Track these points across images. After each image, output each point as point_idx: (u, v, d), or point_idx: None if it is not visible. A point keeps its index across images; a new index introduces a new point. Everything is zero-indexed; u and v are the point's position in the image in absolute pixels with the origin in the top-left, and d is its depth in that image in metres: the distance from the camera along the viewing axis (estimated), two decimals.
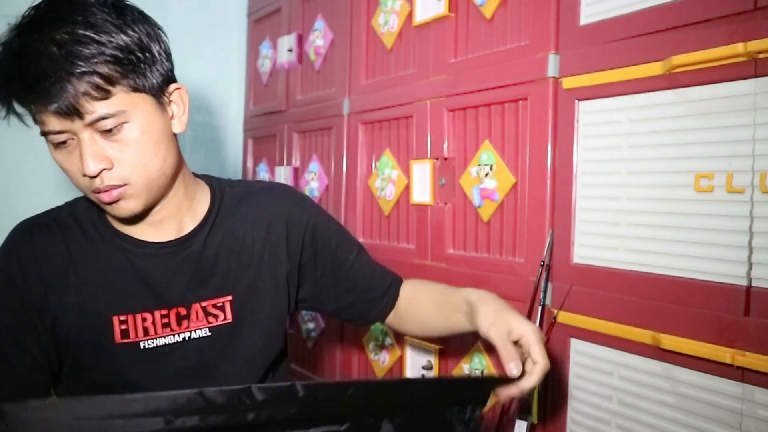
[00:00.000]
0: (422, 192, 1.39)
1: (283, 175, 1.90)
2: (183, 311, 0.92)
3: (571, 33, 1.07)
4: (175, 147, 0.89)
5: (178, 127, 0.88)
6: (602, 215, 1.02)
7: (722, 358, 0.82)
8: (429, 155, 1.38)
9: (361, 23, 1.61)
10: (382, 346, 1.52)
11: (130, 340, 0.88)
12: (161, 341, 0.90)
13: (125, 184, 0.81)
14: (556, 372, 1.09)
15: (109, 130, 0.79)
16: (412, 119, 1.43)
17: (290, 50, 1.89)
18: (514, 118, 1.19)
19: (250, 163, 2.22)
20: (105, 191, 0.81)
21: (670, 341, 0.89)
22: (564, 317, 1.06)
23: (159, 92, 0.84)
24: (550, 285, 1.10)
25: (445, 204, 1.34)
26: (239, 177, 2.18)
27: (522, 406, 1.09)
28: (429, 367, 1.34)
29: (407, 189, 1.44)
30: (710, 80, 0.87)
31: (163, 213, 0.91)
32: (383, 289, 1.09)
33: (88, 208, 0.92)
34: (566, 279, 1.07)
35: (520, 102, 1.17)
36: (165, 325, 0.90)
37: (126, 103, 0.79)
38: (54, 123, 0.77)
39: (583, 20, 1.06)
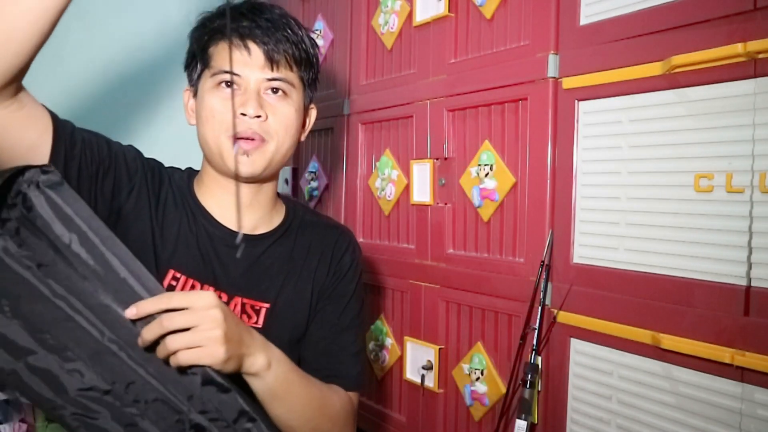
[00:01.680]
0: (422, 192, 1.39)
1: (282, 175, 1.90)
2: (224, 297, 0.96)
3: (571, 33, 1.07)
4: (294, 149, 1.02)
5: (302, 136, 1.03)
6: (602, 215, 1.02)
7: (722, 358, 0.83)
8: (429, 155, 1.38)
9: (361, 23, 1.61)
10: (382, 346, 1.52)
11: None
12: None
13: (264, 141, 0.93)
14: (556, 372, 1.09)
15: (275, 91, 0.94)
16: (412, 119, 1.43)
17: None
18: (514, 118, 1.19)
19: None
20: (247, 138, 0.92)
21: (670, 341, 0.89)
22: (564, 317, 1.06)
23: (309, 100, 1.02)
24: (550, 285, 1.10)
25: (445, 204, 1.34)
26: None
27: (522, 406, 1.09)
28: (429, 367, 1.34)
29: (407, 189, 1.44)
30: (710, 80, 0.87)
31: (257, 197, 0.99)
32: (320, 372, 1.00)
33: (182, 179, 1.00)
34: (566, 279, 1.07)
35: (520, 102, 1.17)
36: None
37: (296, 84, 0.97)
38: (239, 66, 0.92)
39: (583, 20, 1.06)
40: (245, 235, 0.98)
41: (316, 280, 1.03)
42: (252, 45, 0.92)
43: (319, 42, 1.79)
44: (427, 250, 1.38)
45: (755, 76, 0.82)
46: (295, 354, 1.02)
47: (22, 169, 0.74)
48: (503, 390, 1.17)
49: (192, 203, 0.98)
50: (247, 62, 0.92)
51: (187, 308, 0.74)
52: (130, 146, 0.96)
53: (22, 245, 0.73)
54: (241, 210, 0.98)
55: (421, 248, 1.40)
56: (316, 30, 1.81)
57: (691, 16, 0.89)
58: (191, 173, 1.02)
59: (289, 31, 0.95)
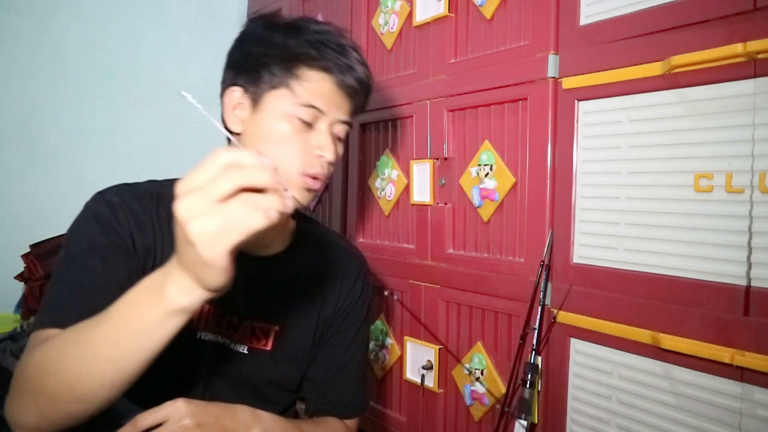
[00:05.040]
0: (422, 192, 1.39)
1: None
2: (235, 320, 0.96)
3: (571, 33, 1.07)
4: None
5: None
6: (602, 215, 1.02)
7: (722, 358, 0.83)
8: (429, 155, 1.38)
9: (361, 23, 1.61)
10: (382, 346, 1.52)
11: (191, 325, 0.91)
12: (208, 336, 0.94)
13: (323, 181, 0.91)
14: (556, 372, 1.09)
15: (338, 137, 0.93)
16: (412, 119, 1.43)
17: None
18: (514, 118, 1.19)
19: None
20: (317, 178, 0.89)
21: (670, 341, 0.89)
22: (564, 317, 1.06)
23: None
24: (550, 285, 1.10)
25: (445, 204, 1.34)
26: None
27: (522, 406, 1.09)
28: (429, 367, 1.34)
29: (407, 189, 1.44)
30: (710, 80, 0.87)
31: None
32: (326, 397, 1.05)
33: None
34: (566, 279, 1.07)
35: (520, 102, 1.17)
36: (217, 323, 0.94)
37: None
38: (329, 105, 0.88)
39: (583, 20, 1.06)
40: (252, 257, 0.97)
41: (325, 303, 1.03)
42: (351, 91, 0.90)
43: None
44: (427, 250, 1.38)
45: (755, 76, 0.82)
46: (300, 372, 1.05)
47: None
48: (503, 390, 1.17)
49: None
50: (338, 105, 0.89)
51: (162, 423, 0.77)
52: (115, 221, 0.85)
53: None
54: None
55: (421, 248, 1.40)
56: None
57: (691, 16, 0.89)
58: None
59: (371, 82, 0.95)
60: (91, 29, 2.10)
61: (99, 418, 0.75)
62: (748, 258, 0.83)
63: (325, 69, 0.88)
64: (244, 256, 0.96)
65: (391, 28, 1.50)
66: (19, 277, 1.75)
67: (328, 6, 1.78)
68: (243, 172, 0.53)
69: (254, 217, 0.53)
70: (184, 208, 0.53)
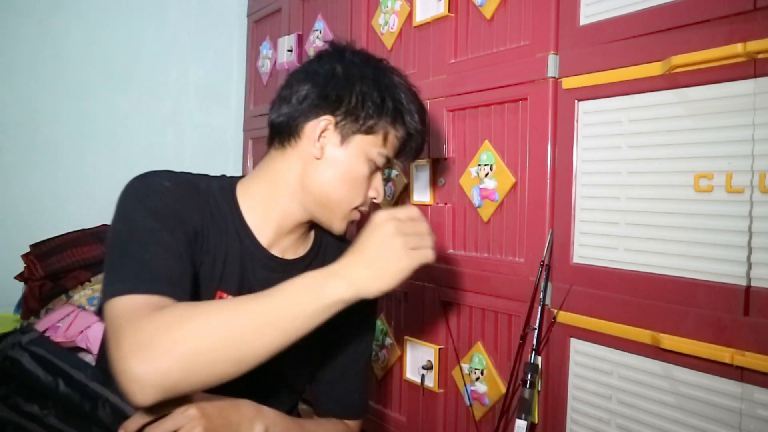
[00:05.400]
0: (422, 192, 1.39)
1: None
2: None
3: (571, 33, 1.07)
4: None
5: None
6: (602, 215, 1.02)
7: (722, 358, 0.83)
8: (429, 155, 1.38)
9: (361, 23, 1.61)
10: (382, 346, 1.52)
11: None
12: None
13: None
14: (556, 372, 1.09)
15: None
16: None
17: (290, 50, 1.89)
18: (514, 118, 1.19)
19: (250, 163, 2.22)
20: (363, 213, 1.00)
21: (670, 341, 0.89)
22: (564, 317, 1.06)
23: None
24: (550, 285, 1.10)
25: (445, 204, 1.34)
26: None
27: (522, 406, 1.09)
28: (429, 367, 1.34)
29: (407, 189, 1.44)
30: (710, 80, 0.87)
31: (300, 231, 1.01)
32: (330, 398, 1.08)
33: (221, 190, 0.97)
34: (566, 279, 1.07)
35: (520, 102, 1.17)
36: None
37: None
38: (393, 155, 0.98)
39: (583, 20, 1.06)
40: (279, 260, 0.99)
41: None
42: (409, 151, 0.99)
43: (319, 42, 1.79)
44: None
45: (755, 76, 0.82)
46: (308, 373, 1.06)
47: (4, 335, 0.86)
48: (503, 390, 1.17)
49: (236, 219, 0.96)
50: (398, 157, 0.99)
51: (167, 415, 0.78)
52: (172, 198, 0.89)
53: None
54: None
55: None
56: (316, 30, 1.81)
57: (691, 16, 0.89)
58: (232, 182, 1.00)
59: None
60: (91, 29, 2.10)
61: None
62: (748, 258, 0.83)
63: (409, 133, 0.97)
64: (270, 258, 0.98)
65: (391, 28, 1.50)
66: (19, 277, 1.76)
67: (328, 6, 1.78)
68: (429, 227, 0.80)
69: (433, 253, 0.79)
70: (393, 227, 0.76)
